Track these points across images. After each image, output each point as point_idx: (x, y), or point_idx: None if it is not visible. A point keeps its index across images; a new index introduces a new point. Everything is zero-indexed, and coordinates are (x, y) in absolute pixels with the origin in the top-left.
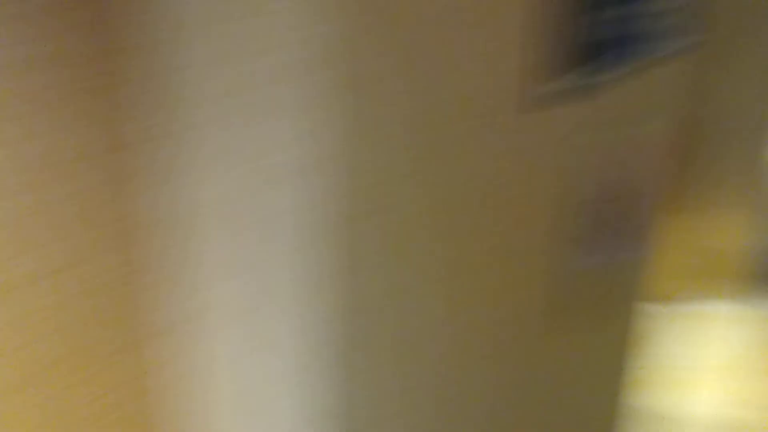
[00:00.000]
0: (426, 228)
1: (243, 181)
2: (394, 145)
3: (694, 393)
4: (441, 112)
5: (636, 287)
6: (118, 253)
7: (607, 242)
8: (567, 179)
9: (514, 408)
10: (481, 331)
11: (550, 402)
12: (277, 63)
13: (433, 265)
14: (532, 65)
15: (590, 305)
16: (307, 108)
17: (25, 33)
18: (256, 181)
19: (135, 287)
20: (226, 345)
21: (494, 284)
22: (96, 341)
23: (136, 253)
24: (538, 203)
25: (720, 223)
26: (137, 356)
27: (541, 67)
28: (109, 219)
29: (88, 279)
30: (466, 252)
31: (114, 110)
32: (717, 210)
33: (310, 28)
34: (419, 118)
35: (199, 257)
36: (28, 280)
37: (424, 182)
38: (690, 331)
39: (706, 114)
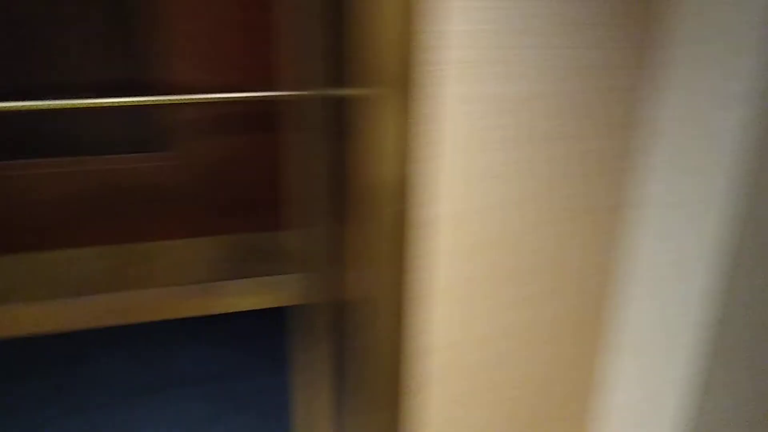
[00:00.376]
0: None
1: (698, 103)
2: None
3: None
4: None
5: None
6: (607, 138)
7: None
8: None
9: None
10: None
11: None
12: (743, 15)
13: None
14: None
15: None
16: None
17: None
18: (709, 105)
19: (609, 167)
20: (650, 230)
21: None
22: (583, 198)
23: (617, 141)
24: None
25: None
26: (602, 220)
27: None
28: (610, 112)
29: (586, 151)
30: None
31: (639, 42)
32: None
33: None
34: None
35: (651, 156)
36: (550, 138)
37: None
38: None
39: None
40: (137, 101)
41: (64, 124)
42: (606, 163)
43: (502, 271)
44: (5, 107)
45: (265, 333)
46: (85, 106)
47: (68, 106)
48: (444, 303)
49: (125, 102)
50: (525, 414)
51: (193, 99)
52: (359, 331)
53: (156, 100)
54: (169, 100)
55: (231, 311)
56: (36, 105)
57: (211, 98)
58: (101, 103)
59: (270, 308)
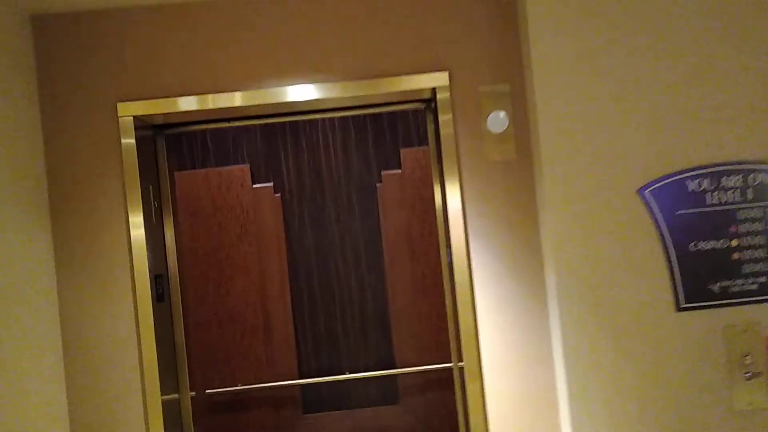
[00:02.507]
0: None
1: None
2: None
3: None
4: None
5: None
6: None
7: None
8: None
9: None
10: None
11: None
12: None
13: None
14: None
15: None
16: None
17: None
18: None
19: None
20: None
21: None
22: None
23: None
24: None
25: None
26: None
27: None
28: None
29: None
30: None
31: None
32: None
33: None
34: None
35: None
36: None
37: None
38: None
39: None
40: (378, 374)
41: (342, 389)
42: None
43: None
44: (315, 381)
45: None
46: (351, 378)
47: (343, 379)
48: None
49: (371, 375)
50: None
51: (409, 371)
52: None
53: (389, 373)
54: (398, 372)
55: None
56: (327, 379)
57: (417, 370)
58: (357, 376)
59: None
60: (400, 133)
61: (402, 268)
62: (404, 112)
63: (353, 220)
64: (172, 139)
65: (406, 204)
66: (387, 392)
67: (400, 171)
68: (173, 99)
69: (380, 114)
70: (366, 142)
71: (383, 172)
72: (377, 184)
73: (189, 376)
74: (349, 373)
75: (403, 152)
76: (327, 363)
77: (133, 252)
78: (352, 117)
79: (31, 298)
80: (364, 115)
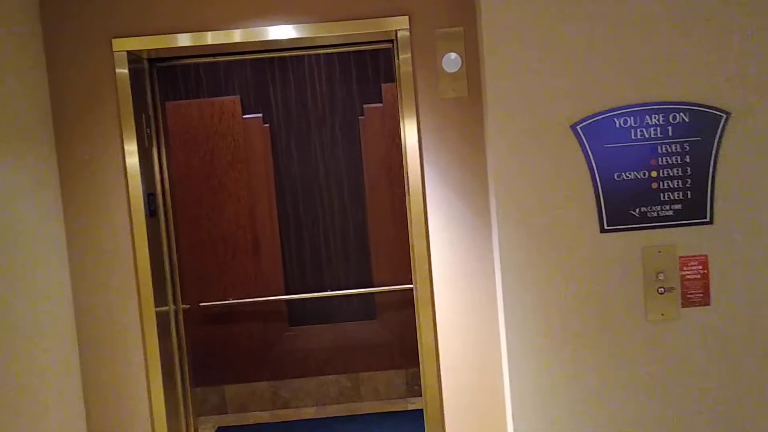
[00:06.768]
0: None
1: None
2: None
3: None
4: None
5: None
6: None
7: None
8: None
9: None
10: None
11: None
12: None
13: None
14: None
15: None
16: None
17: None
18: None
19: None
20: None
21: None
22: None
23: None
24: None
25: None
26: None
27: None
28: None
29: None
30: None
31: None
32: None
33: None
34: None
35: None
36: None
37: None
38: None
39: None
40: (357, 292)
41: (325, 305)
42: None
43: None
44: (301, 297)
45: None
46: (333, 295)
47: (326, 296)
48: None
49: (351, 293)
50: None
51: (385, 290)
52: None
53: (367, 291)
54: (375, 290)
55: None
56: (311, 296)
57: (392, 289)
58: (339, 293)
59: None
60: (382, 69)
61: (381, 196)
62: (387, 50)
63: (337, 151)
64: (166, 71)
65: (386, 136)
66: (365, 308)
67: (381, 105)
68: (163, 36)
69: (363, 51)
70: (350, 77)
71: (365, 106)
72: (360, 117)
73: (184, 291)
74: (332, 290)
75: (385, 87)
76: (311, 281)
77: (128, 173)
78: (338, 54)
79: (39, 214)
80: (348, 52)
